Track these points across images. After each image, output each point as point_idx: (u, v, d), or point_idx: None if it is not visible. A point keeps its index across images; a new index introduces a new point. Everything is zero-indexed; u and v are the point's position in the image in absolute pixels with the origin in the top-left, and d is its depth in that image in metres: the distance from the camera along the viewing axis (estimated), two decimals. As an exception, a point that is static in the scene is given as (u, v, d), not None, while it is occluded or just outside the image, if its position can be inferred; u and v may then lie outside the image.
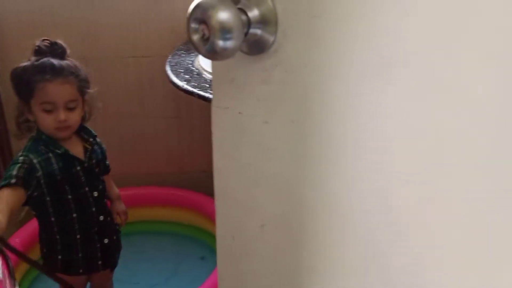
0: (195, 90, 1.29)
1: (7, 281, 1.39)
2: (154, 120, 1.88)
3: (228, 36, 0.44)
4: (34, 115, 1.17)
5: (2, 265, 1.44)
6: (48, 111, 1.15)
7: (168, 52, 1.63)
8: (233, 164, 0.57)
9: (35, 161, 1.16)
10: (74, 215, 1.23)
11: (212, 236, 1.74)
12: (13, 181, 1.09)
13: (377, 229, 0.47)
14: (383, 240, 0.47)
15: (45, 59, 1.15)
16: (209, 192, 1.81)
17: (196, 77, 1.39)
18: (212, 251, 1.74)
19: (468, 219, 0.40)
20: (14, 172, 1.11)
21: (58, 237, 1.25)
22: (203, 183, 1.87)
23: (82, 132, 1.25)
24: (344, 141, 0.46)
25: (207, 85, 1.33)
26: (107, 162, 1.36)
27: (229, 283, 0.64)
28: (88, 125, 1.27)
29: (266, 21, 0.46)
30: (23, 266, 1.57)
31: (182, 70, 1.44)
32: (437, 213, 0.42)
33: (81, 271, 1.28)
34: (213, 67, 0.54)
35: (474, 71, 0.37)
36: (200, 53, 0.46)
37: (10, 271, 1.43)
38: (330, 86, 0.45)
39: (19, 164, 1.13)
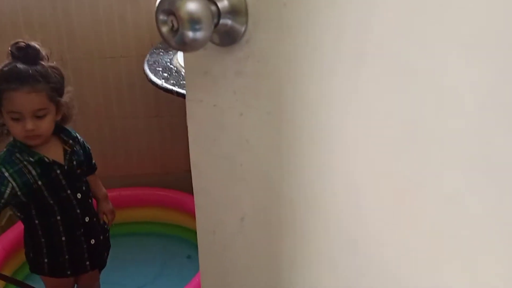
0: (174, 88, 1.28)
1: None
2: (135, 121, 1.87)
3: (197, 27, 0.43)
4: (5, 122, 1.15)
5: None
6: (16, 119, 1.12)
7: (146, 51, 1.61)
8: (210, 158, 0.56)
9: (6, 174, 1.14)
10: (58, 217, 1.21)
11: (198, 235, 1.74)
12: None
13: (350, 221, 0.46)
14: (357, 232, 0.46)
15: (13, 65, 1.11)
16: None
17: (174, 75, 1.38)
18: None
19: (442, 209, 0.40)
20: None
21: (43, 240, 1.23)
22: (187, 183, 1.86)
23: (61, 133, 1.23)
24: (317, 132, 0.46)
25: (186, 83, 1.32)
26: (93, 162, 1.34)
27: (211, 278, 0.63)
28: (68, 126, 1.25)
29: (236, 11, 0.46)
30: (5, 273, 1.54)
31: (160, 69, 1.43)
32: (411, 203, 0.42)
33: (68, 273, 1.27)
34: (185, 59, 0.53)
35: (445, 60, 0.36)
36: (170, 45, 0.45)
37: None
38: (303, 77, 0.44)
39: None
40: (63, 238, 1.23)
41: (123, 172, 1.61)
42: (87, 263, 1.29)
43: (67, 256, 1.25)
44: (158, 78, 1.35)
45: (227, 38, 0.48)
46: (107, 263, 1.39)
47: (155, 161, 1.93)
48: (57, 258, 1.25)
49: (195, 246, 1.80)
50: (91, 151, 1.32)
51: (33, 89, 1.10)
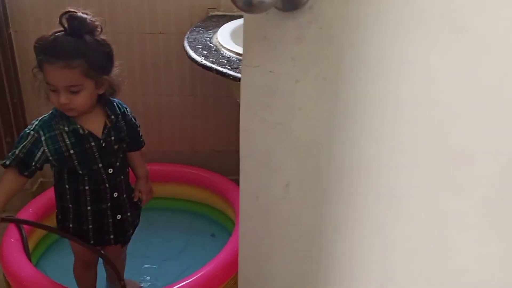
0: (213, 66, 1.29)
1: (21, 250, 1.41)
2: (169, 98, 1.89)
3: (266, -12, 0.44)
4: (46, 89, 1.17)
5: (16, 235, 1.46)
6: (53, 90, 1.14)
7: (186, 29, 1.63)
8: (261, 124, 0.57)
9: (42, 138, 1.17)
10: (87, 187, 1.24)
11: (223, 215, 1.76)
12: (7, 162, 1.16)
13: (404, 187, 0.47)
14: (409, 199, 0.47)
15: (56, 36, 1.12)
16: (222, 171, 1.82)
17: (214, 53, 1.40)
18: (223, 229, 1.76)
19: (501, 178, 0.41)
20: (16, 151, 1.16)
21: (70, 205, 1.26)
22: (215, 163, 1.89)
23: (107, 107, 1.24)
24: (375, 98, 0.46)
25: (225, 61, 1.33)
26: (141, 139, 1.36)
27: (251, 242, 0.65)
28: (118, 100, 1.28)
29: (303, -24, 0.47)
30: (36, 237, 1.59)
31: (200, 46, 1.45)
32: (465, 172, 0.43)
33: (92, 242, 1.30)
34: (245, 24, 0.54)
35: (507, 23, 0.37)
36: (237, 5, 0.46)
37: (24, 240, 1.45)
38: (365, 42, 0.45)
39: (24, 143, 1.16)
40: (89, 208, 1.25)
41: (154, 147, 1.63)
42: (111, 236, 1.31)
43: (90, 226, 1.27)
44: (198, 55, 1.36)
45: (291, 3, 0.49)
46: (134, 235, 1.42)
47: (186, 139, 1.95)
48: (81, 226, 1.28)
49: (219, 225, 1.82)
50: (139, 128, 1.34)
51: (67, 64, 1.09)
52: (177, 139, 1.95)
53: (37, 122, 1.19)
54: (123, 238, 1.35)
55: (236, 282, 1.34)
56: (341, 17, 0.46)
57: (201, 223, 1.80)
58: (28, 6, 1.73)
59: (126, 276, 1.50)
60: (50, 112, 1.20)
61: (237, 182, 1.48)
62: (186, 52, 1.41)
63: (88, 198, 1.25)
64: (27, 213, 1.57)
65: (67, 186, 1.25)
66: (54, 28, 1.13)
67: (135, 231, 1.39)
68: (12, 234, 1.46)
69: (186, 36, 1.54)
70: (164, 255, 1.61)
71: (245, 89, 0.58)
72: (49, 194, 1.66)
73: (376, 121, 0.47)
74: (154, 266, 1.44)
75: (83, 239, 1.29)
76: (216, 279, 1.34)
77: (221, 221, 1.77)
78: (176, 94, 1.87)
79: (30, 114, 1.87)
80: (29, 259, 1.40)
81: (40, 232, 1.61)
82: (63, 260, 1.60)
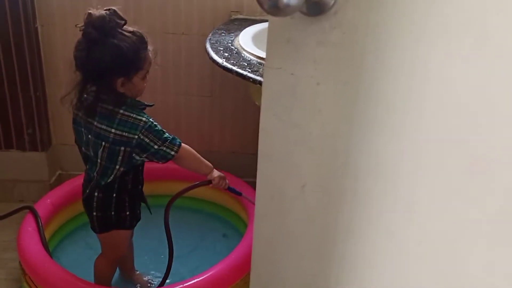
0: (233, 68, 1.31)
1: (38, 240, 1.44)
2: (188, 98, 1.91)
3: (292, -8, 0.45)
4: (132, 85, 1.21)
5: (32, 224, 1.49)
6: (145, 77, 1.24)
7: (208, 31, 1.65)
8: (280, 124, 0.58)
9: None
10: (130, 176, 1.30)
11: (236, 215, 1.77)
12: (178, 141, 1.27)
13: (419, 193, 0.48)
14: (424, 204, 0.48)
15: (132, 31, 1.19)
16: (237, 173, 1.84)
17: (235, 55, 1.41)
18: (235, 229, 1.77)
19: None
20: (167, 134, 1.24)
21: (127, 194, 1.31)
22: (231, 164, 1.90)
23: None
24: (395, 103, 0.47)
25: (246, 64, 1.35)
26: None
27: (264, 242, 0.66)
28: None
29: (329, -17, 0.48)
30: (51, 228, 1.62)
31: (221, 48, 1.46)
32: (481, 180, 0.43)
33: (134, 223, 1.38)
34: (270, 27, 0.56)
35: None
36: (263, 8, 0.48)
37: (40, 229, 1.48)
38: (387, 48, 0.46)
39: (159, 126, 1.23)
40: (127, 194, 1.32)
41: (171, 146, 1.66)
42: (138, 211, 1.38)
43: (128, 212, 1.34)
44: (219, 57, 1.38)
45: (316, 8, 0.50)
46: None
47: (202, 139, 1.97)
48: (136, 210, 1.35)
49: (232, 225, 1.83)
50: None
51: None
52: (194, 139, 1.97)
53: (139, 113, 1.23)
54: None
55: (245, 283, 1.35)
56: (365, 23, 0.47)
57: (213, 223, 1.81)
58: (55, 1, 1.77)
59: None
60: (131, 109, 1.22)
61: (252, 184, 1.49)
62: (208, 54, 1.43)
63: (129, 187, 1.32)
64: (45, 204, 1.61)
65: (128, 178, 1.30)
66: (80, 23, 1.17)
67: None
68: (29, 223, 1.49)
69: (208, 38, 1.56)
70: (176, 253, 1.63)
71: (266, 90, 0.59)
72: (67, 186, 1.70)
73: (395, 127, 0.48)
74: (165, 264, 1.46)
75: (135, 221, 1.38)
76: (226, 279, 1.36)
77: (233, 222, 1.78)
78: (195, 94, 1.90)
79: (52, 107, 1.91)
80: (46, 248, 1.43)
81: (55, 224, 1.64)
82: (78, 252, 1.63)
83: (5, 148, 1.89)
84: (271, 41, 0.56)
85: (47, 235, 1.53)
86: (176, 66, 1.85)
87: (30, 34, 1.75)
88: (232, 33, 1.62)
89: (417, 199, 0.48)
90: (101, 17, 1.14)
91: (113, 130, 1.19)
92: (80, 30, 1.15)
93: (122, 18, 1.17)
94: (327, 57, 0.51)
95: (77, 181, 1.52)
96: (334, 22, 0.49)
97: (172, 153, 1.25)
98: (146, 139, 1.20)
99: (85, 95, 1.21)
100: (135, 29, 1.19)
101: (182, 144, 1.27)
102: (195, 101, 1.91)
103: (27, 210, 1.56)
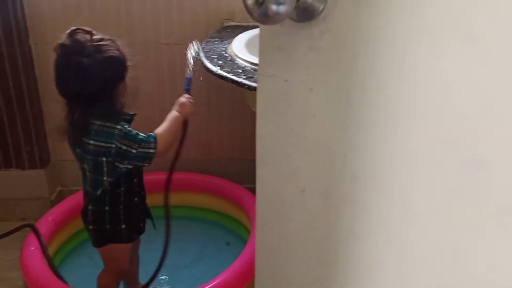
0: (228, 75, 1.31)
1: (41, 258, 1.44)
2: (185, 107, 1.92)
3: (281, 0, 0.46)
4: (126, 87, 1.23)
5: (35, 242, 1.49)
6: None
7: (201, 40, 1.66)
8: (276, 131, 0.59)
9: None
10: (122, 188, 1.30)
11: (238, 223, 1.77)
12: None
13: (417, 194, 0.48)
14: (423, 205, 0.48)
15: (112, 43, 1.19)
16: (236, 179, 1.83)
17: (229, 63, 1.42)
18: (238, 237, 1.77)
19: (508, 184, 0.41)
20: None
21: (121, 207, 1.31)
22: (230, 171, 1.90)
23: None
24: (388, 106, 0.48)
25: (240, 71, 1.35)
26: None
27: (266, 249, 0.66)
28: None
29: (317, -11, 0.48)
30: (55, 244, 1.62)
31: (215, 56, 1.47)
32: (478, 178, 0.43)
33: (134, 236, 1.38)
34: (261, 34, 0.56)
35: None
36: (252, 17, 0.48)
37: (43, 247, 1.48)
38: (377, 51, 0.46)
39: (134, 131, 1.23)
40: (121, 206, 1.32)
41: (169, 155, 1.65)
42: (141, 224, 1.39)
43: (124, 226, 1.33)
44: (213, 65, 1.39)
45: (305, 14, 0.50)
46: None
47: (200, 147, 1.97)
48: (135, 223, 1.36)
49: (234, 233, 1.83)
50: None
51: None
52: (192, 147, 1.97)
53: (115, 122, 1.22)
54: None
55: (251, 290, 1.35)
56: (353, 28, 0.47)
57: (216, 231, 1.82)
58: (47, 19, 1.78)
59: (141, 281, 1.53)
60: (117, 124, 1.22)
61: (252, 190, 1.49)
62: (202, 62, 1.44)
63: (122, 198, 1.31)
64: (47, 221, 1.61)
65: (122, 189, 1.30)
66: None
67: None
68: (32, 242, 1.49)
69: (202, 46, 1.56)
70: (179, 263, 1.63)
71: (261, 98, 0.59)
72: (68, 203, 1.70)
73: (389, 128, 0.48)
74: (168, 275, 1.46)
75: (136, 234, 1.39)
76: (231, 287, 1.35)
77: (236, 230, 1.79)
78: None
79: (49, 124, 1.91)
80: (52, 266, 1.43)
81: (59, 240, 1.64)
82: (83, 267, 1.63)
83: (5, 168, 1.90)
84: (263, 49, 0.57)
85: (51, 252, 1.53)
86: (172, 76, 1.86)
87: (24, 53, 1.76)
88: (225, 40, 1.63)
89: (415, 199, 0.48)
90: (74, 43, 1.15)
91: (91, 142, 1.19)
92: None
93: (87, 31, 1.17)
94: (318, 62, 0.52)
95: (78, 197, 1.53)
96: (324, 28, 0.50)
97: (152, 150, 1.24)
98: (124, 147, 1.20)
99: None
100: (101, 36, 1.19)
101: (157, 135, 1.26)
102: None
103: (29, 228, 1.56)
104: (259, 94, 0.59)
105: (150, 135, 1.25)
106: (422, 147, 0.46)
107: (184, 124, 1.38)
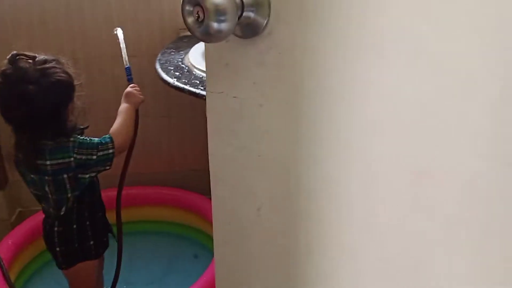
0: (185, 87, 1.30)
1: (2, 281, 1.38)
2: (145, 119, 1.87)
3: (222, 18, 0.44)
4: (75, 106, 1.19)
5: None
6: None
7: (158, 51, 1.63)
8: (229, 148, 0.57)
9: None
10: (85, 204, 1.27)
11: (205, 235, 1.75)
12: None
13: (371, 208, 0.48)
14: (380, 219, 0.48)
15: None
16: (201, 191, 1.81)
17: (186, 74, 1.40)
18: (205, 249, 1.75)
19: (457, 196, 0.41)
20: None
21: (88, 223, 1.28)
22: (194, 182, 1.88)
23: None
24: (339, 120, 0.47)
25: (198, 82, 1.34)
26: None
27: (226, 268, 0.64)
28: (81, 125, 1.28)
29: (259, 4, 0.47)
30: (17, 267, 1.56)
31: (172, 68, 1.45)
32: (428, 191, 0.43)
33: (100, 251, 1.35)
34: (206, 52, 0.55)
35: (462, 44, 0.38)
36: (194, 35, 0.47)
37: (4, 272, 1.42)
38: (324, 66, 0.46)
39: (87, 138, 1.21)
40: (88, 223, 1.30)
41: (131, 170, 1.62)
42: (105, 239, 1.36)
43: (92, 241, 1.31)
44: (170, 77, 1.37)
45: (250, 30, 0.49)
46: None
47: (163, 159, 1.95)
48: (101, 238, 1.33)
49: (202, 245, 1.81)
50: None
51: None
52: (154, 161, 1.94)
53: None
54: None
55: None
56: (299, 44, 0.46)
57: (183, 244, 1.79)
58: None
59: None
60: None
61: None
62: (158, 74, 1.42)
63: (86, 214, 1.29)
64: (7, 245, 1.55)
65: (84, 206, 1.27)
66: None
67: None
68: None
69: (158, 58, 1.54)
70: (147, 279, 1.60)
71: (211, 115, 0.58)
72: (28, 224, 1.64)
73: (341, 143, 0.47)
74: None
75: (101, 250, 1.35)
76: (200, 301, 1.33)
77: (203, 241, 1.76)
78: (151, 115, 1.87)
79: (5, 144, 1.84)
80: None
81: (20, 263, 1.58)
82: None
83: (-39, 191, 1.82)
84: (210, 66, 0.55)
85: (13, 276, 1.47)
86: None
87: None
88: (182, 51, 1.61)
89: (372, 214, 0.47)
90: (17, 70, 1.11)
91: (48, 162, 1.16)
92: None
93: (29, 56, 1.13)
94: (266, 78, 0.50)
95: (38, 217, 1.47)
96: (269, 43, 0.48)
97: (111, 150, 1.22)
98: (83, 156, 1.17)
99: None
100: (44, 57, 1.15)
101: (111, 134, 1.24)
102: (152, 123, 1.88)
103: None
104: (209, 112, 0.57)
105: (104, 137, 1.23)
106: (374, 161, 0.46)
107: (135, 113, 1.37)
